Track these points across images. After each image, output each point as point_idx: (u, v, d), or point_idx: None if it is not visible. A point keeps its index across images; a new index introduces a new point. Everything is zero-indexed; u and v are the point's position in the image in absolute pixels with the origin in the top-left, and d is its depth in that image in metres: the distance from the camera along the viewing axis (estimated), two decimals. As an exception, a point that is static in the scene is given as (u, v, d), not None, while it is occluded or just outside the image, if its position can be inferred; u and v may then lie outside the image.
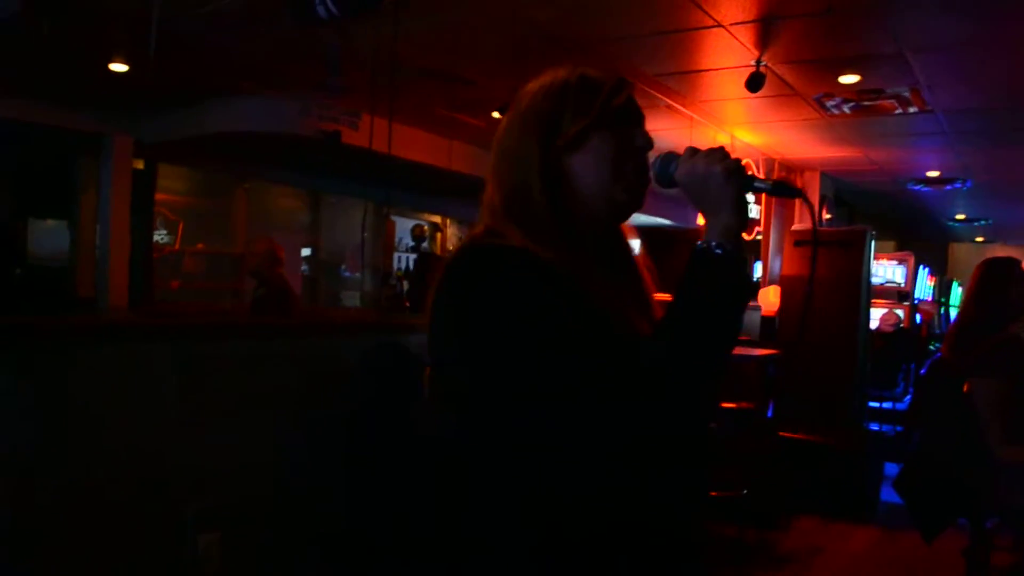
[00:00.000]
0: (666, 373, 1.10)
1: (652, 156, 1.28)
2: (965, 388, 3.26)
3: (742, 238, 1.16)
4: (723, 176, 1.16)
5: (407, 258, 9.56)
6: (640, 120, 1.30)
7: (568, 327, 1.11)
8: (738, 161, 1.18)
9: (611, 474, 1.15)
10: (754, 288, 1.26)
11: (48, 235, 7.23)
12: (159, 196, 7.79)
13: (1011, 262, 3.92)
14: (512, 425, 1.16)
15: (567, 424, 1.12)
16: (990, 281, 3.86)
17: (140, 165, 7.33)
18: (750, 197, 6.90)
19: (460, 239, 11.05)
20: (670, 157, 1.23)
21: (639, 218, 1.34)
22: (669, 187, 1.23)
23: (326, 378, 3.15)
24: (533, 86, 1.31)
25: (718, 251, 1.13)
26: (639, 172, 1.26)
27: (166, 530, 2.61)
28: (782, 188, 1.24)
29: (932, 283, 10.78)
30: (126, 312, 6.66)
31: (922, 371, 6.73)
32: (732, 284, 1.14)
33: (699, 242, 1.15)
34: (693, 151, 1.20)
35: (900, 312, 8.67)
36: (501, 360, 1.14)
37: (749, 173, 1.19)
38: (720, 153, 1.18)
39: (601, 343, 1.11)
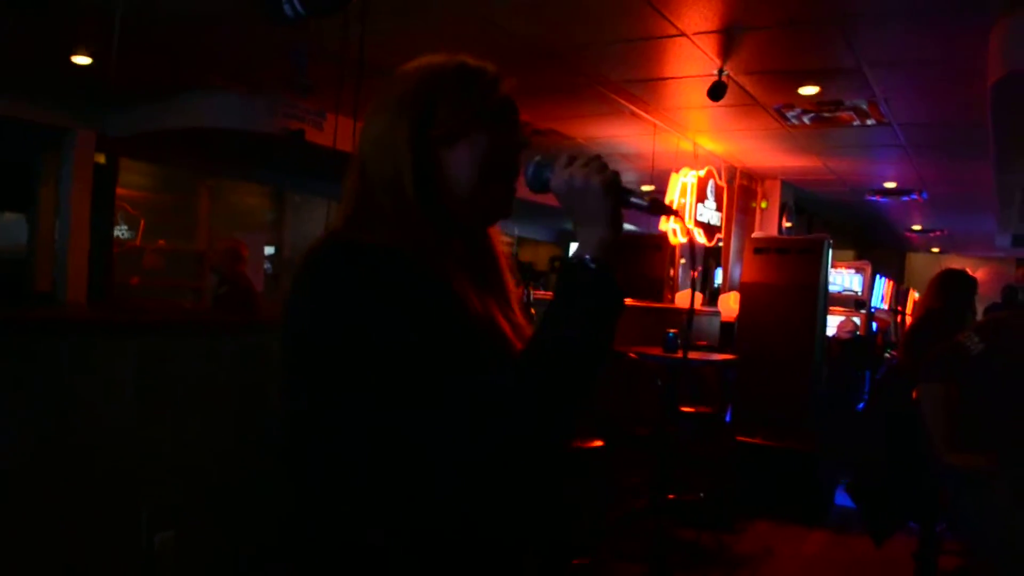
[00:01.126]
0: (535, 389, 1.05)
1: (527, 158, 1.24)
2: (914, 395, 3.34)
3: (616, 251, 1.12)
4: (601, 190, 1.11)
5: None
6: (516, 116, 1.24)
7: (427, 336, 1.05)
8: (616, 174, 1.14)
9: (466, 491, 1.11)
10: (622, 299, 1.22)
11: (6, 228, 7.12)
12: (121, 191, 7.70)
13: (963, 274, 4.04)
14: (356, 433, 1.10)
15: (420, 438, 1.07)
16: (943, 291, 3.98)
17: (102, 159, 7.24)
18: (713, 206, 7.00)
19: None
20: (544, 162, 1.19)
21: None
22: (542, 192, 1.19)
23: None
24: (409, 68, 1.23)
25: (592, 265, 1.10)
26: (511, 173, 1.22)
27: (121, 528, 2.59)
28: (658, 206, 1.20)
29: (890, 286, 11.00)
30: (84, 307, 6.58)
31: (878, 377, 6.87)
32: (605, 298, 1.10)
33: (572, 255, 1.12)
34: (570, 159, 1.15)
35: (857, 320, 8.83)
36: (352, 367, 1.07)
37: (625, 187, 1.15)
38: (597, 164, 1.14)
39: (463, 353, 1.06)
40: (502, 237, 1.32)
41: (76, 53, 5.31)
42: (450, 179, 1.18)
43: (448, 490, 1.09)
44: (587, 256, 1.10)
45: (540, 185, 1.19)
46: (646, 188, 7.08)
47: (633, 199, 1.16)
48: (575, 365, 1.07)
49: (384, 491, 1.09)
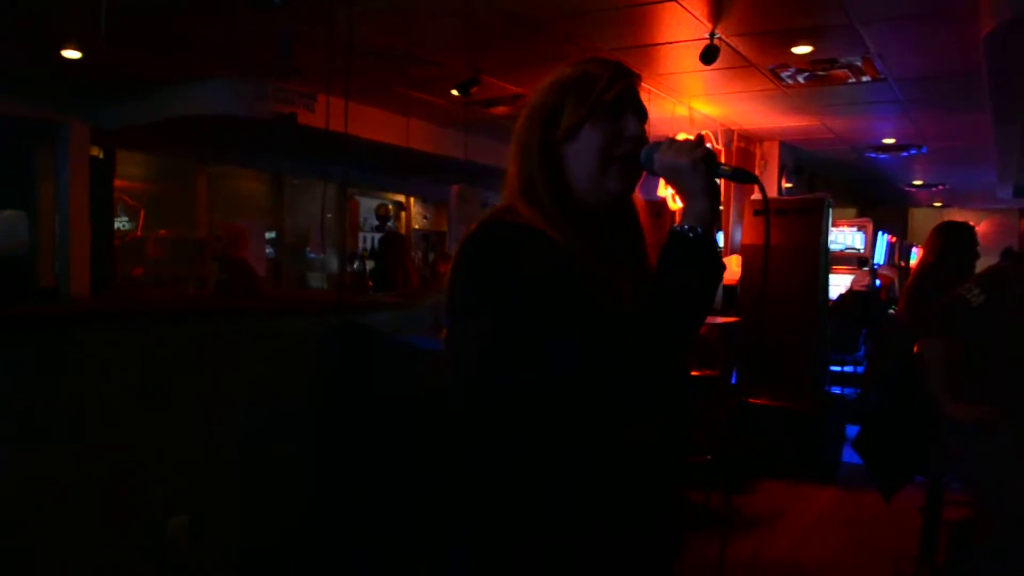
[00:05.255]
0: (645, 341, 1.22)
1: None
2: (916, 349, 3.35)
3: (715, 220, 1.29)
4: (690, 167, 1.28)
5: (372, 237, 9.55)
6: (636, 110, 1.39)
7: (560, 299, 1.22)
8: (707, 151, 1.30)
9: (595, 436, 1.28)
10: (722, 264, 1.44)
11: (6, 225, 7.12)
12: (119, 183, 7.70)
13: (962, 226, 4.03)
14: (504, 381, 1.28)
15: (555, 383, 1.24)
16: (942, 243, 3.98)
17: (98, 152, 7.24)
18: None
19: (425, 217, 11.08)
20: (654, 147, 1.34)
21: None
22: (653, 174, 1.36)
23: (291, 358, 3.18)
24: (544, 82, 1.42)
25: (691, 234, 1.26)
26: (628, 161, 1.36)
27: (134, 514, 2.63)
28: (741, 174, 1.37)
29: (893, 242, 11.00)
30: (88, 300, 6.60)
31: (880, 331, 6.87)
32: (703, 263, 1.26)
33: (676, 225, 1.28)
34: (670, 143, 1.32)
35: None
36: (499, 321, 1.26)
37: (718, 161, 1.31)
38: (689, 145, 1.30)
39: (587, 315, 1.22)
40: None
41: (65, 48, 5.30)
42: (572, 174, 1.36)
43: (571, 440, 1.27)
44: (687, 226, 1.26)
45: (650, 168, 1.35)
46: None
47: (721, 171, 1.31)
48: (678, 318, 1.26)
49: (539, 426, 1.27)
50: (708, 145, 1.31)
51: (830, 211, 6.13)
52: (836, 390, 7.28)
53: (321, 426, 3.16)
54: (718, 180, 1.32)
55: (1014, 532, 2.96)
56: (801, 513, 4.91)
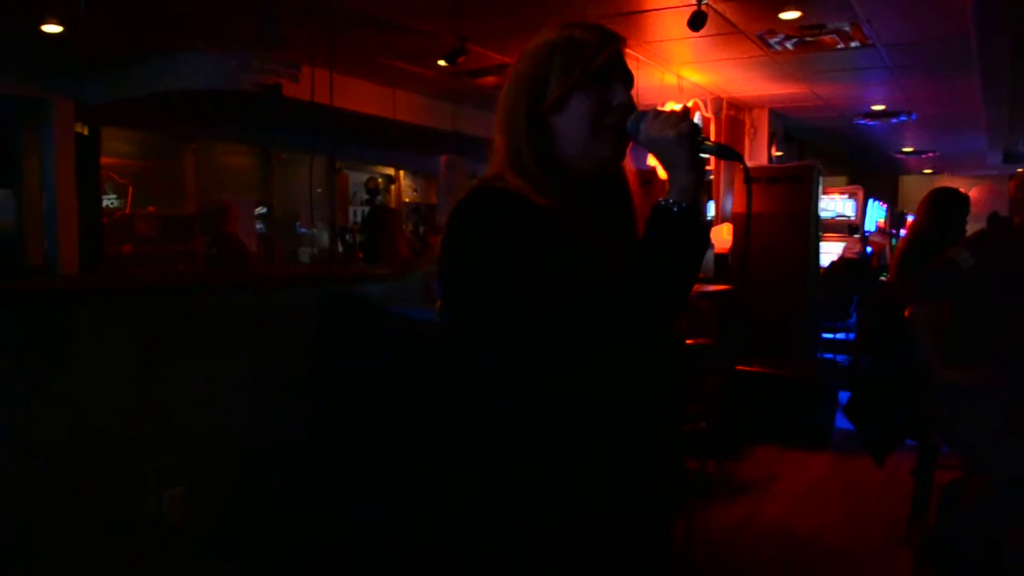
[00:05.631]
0: (628, 316, 1.21)
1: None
2: (906, 313, 3.37)
3: (699, 194, 1.26)
4: (675, 141, 1.25)
5: (362, 211, 9.52)
6: (623, 77, 1.36)
7: (552, 269, 1.21)
8: (691, 124, 1.27)
9: (587, 408, 1.27)
10: (707, 239, 1.42)
11: (-7, 204, 7.06)
12: (106, 160, 7.63)
13: (954, 193, 4.04)
14: (499, 352, 1.26)
15: (549, 354, 1.22)
16: (933, 210, 3.99)
17: (83, 129, 7.16)
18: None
19: (415, 190, 11.04)
20: (640, 117, 1.31)
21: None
22: (639, 145, 1.33)
23: (282, 331, 3.17)
24: (528, 47, 1.39)
25: (675, 209, 1.23)
26: (618, 129, 1.34)
27: (130, 487, 2.63)
28: (724, 151, 1.34)
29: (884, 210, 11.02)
30: (78, 277, 6.57)
31: (872, 297, 6.90)
32: (686, 238, 1.24)
33: (660, 200, 1.26)
34: (656, 114, 1.29)
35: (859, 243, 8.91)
36: (483, 289, 1.25)
37: (702, 136, 1.28)
38: (674, 118, 1.27)
39: (578, 285, 1.21)
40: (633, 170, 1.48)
41: (46, 22, 5.23)
42: (561, 143, 1.34)
43: (554, 404, 1.27)
44: (671, 200, 1.24)
45: (636, 138, 1.33)
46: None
47: (704, 146, 1.28)
48: (661, 295, 1.24)
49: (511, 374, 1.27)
50: (697, 117, 1.25)
51: (820, 179, 6.14)
52: (828, 356, 7.31)
53: (315, 397, 3.17)
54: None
55: (1004, 493, 2.99)
56: (794, 479, 4.95)
